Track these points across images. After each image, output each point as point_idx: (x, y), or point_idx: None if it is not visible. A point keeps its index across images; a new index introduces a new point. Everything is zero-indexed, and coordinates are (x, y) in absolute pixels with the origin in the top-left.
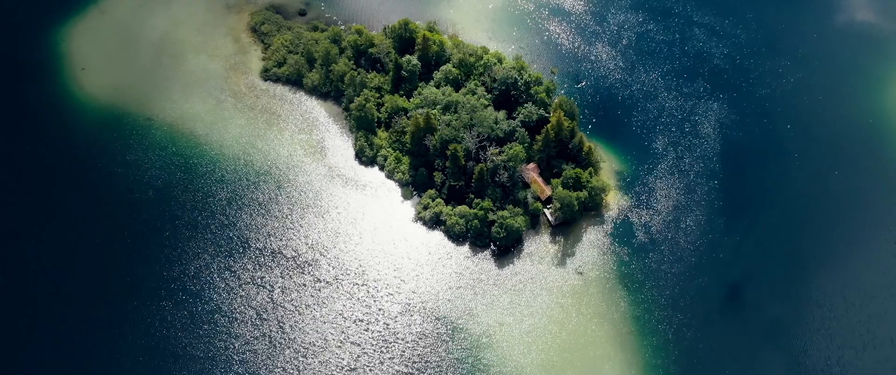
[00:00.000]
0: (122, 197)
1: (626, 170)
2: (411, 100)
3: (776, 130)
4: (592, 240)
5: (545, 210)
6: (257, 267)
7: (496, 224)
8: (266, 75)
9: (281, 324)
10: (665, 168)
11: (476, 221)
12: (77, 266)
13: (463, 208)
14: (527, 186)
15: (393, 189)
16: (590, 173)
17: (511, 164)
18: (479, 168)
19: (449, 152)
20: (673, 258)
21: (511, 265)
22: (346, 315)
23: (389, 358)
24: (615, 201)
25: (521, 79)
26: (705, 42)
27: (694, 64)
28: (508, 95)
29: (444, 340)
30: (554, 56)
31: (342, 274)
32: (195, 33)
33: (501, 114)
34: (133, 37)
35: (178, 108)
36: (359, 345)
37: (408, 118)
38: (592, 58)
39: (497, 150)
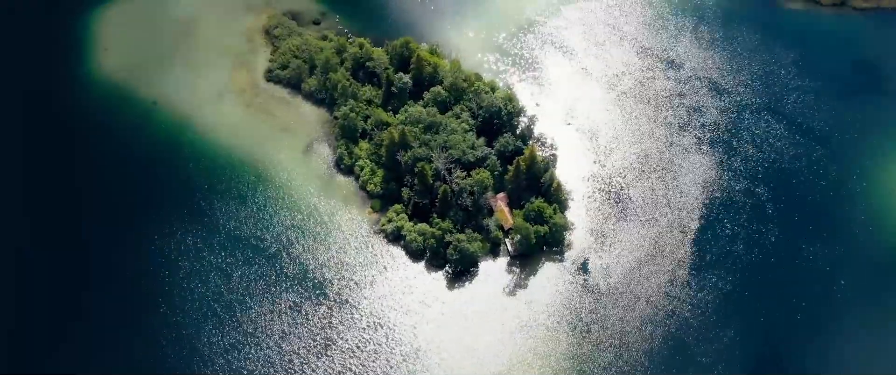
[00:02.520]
0: (113, 169)
1: (596, 212)
2: (397, 116)
3: (759, 194)
4: (548, 275)
5: (506, 240)
6: (222, 251)
7: (451, 246)
8: (269, 76)
9: (231, 307)
10: (637, 215)
11: (433, 240)
12: (49, 229)
13: (423, 226)
14: (492, 213)
15: (363, 199)
16: (554, 210)
17: (475, 188)
18: (443, 189)
19: (416, 170)
20: (626, 306)
21: (461, 288)
22: (294, 311)
23: (328, 357)
24: (579, 241)
25: (505, 109)
26: (704, 97)
27: (689, 116)
28: (491, 123)
29: (381, 346)
30: (548, 93)
31: (300, 271)
32: (212, 28)
33: (481, 140)
34: (155, 24)
35: (183, 95)
36: (299, 339)
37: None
38: (587, 99)
39: (463, 173)
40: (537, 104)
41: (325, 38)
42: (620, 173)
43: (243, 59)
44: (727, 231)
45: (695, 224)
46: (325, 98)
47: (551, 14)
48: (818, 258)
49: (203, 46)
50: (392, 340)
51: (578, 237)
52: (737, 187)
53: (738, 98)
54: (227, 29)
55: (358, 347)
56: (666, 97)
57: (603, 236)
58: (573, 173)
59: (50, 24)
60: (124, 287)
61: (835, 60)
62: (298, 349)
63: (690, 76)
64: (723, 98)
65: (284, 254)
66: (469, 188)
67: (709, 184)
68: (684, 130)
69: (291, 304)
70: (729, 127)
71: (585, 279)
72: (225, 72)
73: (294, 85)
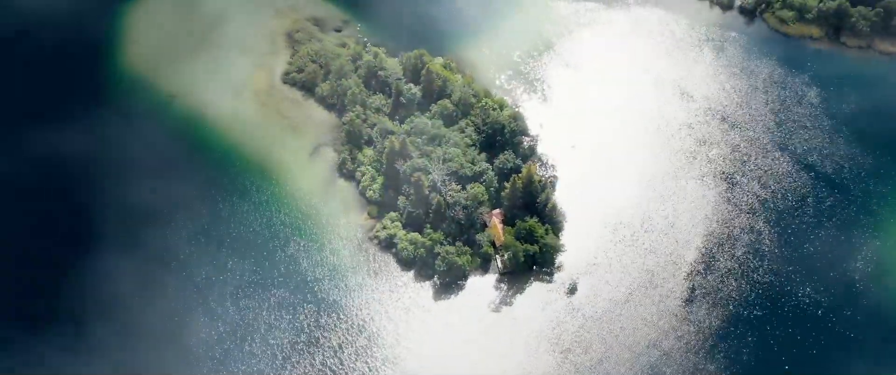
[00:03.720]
0: (124, 156)
1: (591, 236)
2: (402, 125)
3: (759, 231)
4: (535, 295)
5: (497, 256)
6: (220, 242)
7: (440, 257)
8: (285, 78)
9: (222, 297)
10: (632, 244)
11: (422, 250)
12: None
13: (415, 236)
14: (486, 228)
15: (362, 204)
16: (546, 230)
17: (468, 202)
18: (437, 200)
19: (413, 180)
20: (610, 332)
21: (447, 300)
22: (282, 306)
23: (310, 354)
24: (570, 264)
25: (509, 127)
26: (714, 129)
27: (697, 148)
28: (494, 139)
29: (363, 349)
30: (556, 114)
31: (292, 269)
32: (238, 28)
33: (482, 156)
34: (184, 20)
35: (202, 91)
36: (284, 334)
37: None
38: (594, 123)
39: (459, 187)
40: (541, 125)
41: (343, 45)
42: (620, 200)
43: (264, 60)
44: (721, 266)
45: (690, 256)
46: (335, 103)
47: (569, 36)
48: (811, 303)
49: (227, 45)
50: (374, 343)
51: (570, 260)
52: (737, 223)
53: (750, 133)
54: (252, 30)
55: (340, 346)
56: (676, 127)
57: (595, 260)
58: (572, 196)
59: (88, 13)
60: (122, 264)
61: (854, 102)
62: (283, 343)
63: (703, 108)
64: (733, 132)
65: (279, 251)
66: (463, 202)
67: (708, 217)
68: (690, 162)
69: (280, 300)
70: (736, 161)
71: (572, 302)
72: (245, 71)
73: (308, 88)
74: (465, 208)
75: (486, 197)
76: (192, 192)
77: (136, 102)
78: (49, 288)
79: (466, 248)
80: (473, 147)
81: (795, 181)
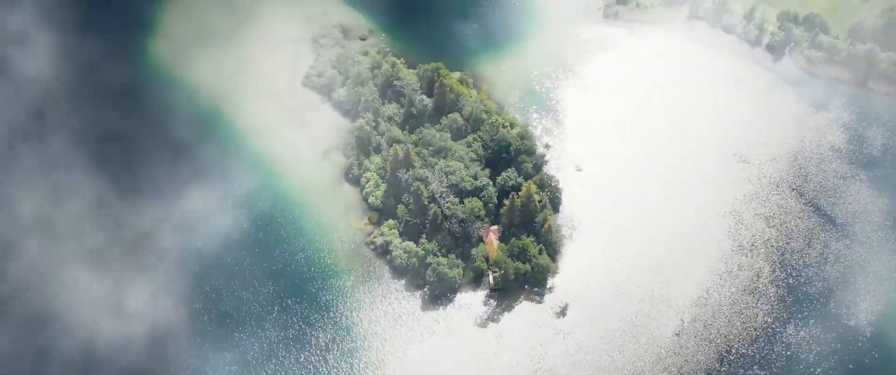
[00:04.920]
0: (142, 143)
1: (587, 261)
2: (411, 135)
3: (759, 269)
4: (524, 313)
5: (489, 271)
6: (221, 235)
7: (431, 268)
8: (306, 81)
9: (217, 288)
10: (629, 276)
11: (415, 259)
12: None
13: (410, 245)
14: (481, 242)
15: (364, 210)
16: (540, 250)
17: (465, 216)
18: (434, 211)
19: (412, 189)
20: (592, 361)
21: (435, 311)
22: (274, 301)
23: (296, 350)
24: (563, 287)
25: (514, 145)
26: (727, 165)
27: (704, 181)
28: (500, 156)
29: (348, 350)
30: (566, 136)
31: (289, 266)
32: (267, 30)
33: (486, 171)
34: (215, 20)
35: (224, 87)
36: (274, 329)
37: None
38: (603, 149)
39: (457, 200)
40: (547, 145)
41: (365, 53)
42: (621, 227)
43: (287, 62)
44: (714, 300)
45: (685, 289)
46: (350, 109)
47: (589, 60)
48: (803, 345)
49: (255, 45)
50: (359, 346)
51: (563, 283)
52: (736, 260)
53: (762, 169)
54: (280, 32)
55: (326, 346)
56: (686, 158)
57: (589, 285)
58: (573, 218)
59: (127, 4)
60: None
61: (876, 147)
62: (272, 337)
63: (717, 141)
64: (745, 167)
65: (278, 249)
66: (460, 215)
67: (708, 253)
68: (697, 195)
69: (273, 294)
70: (744, 197)
71: (560, 325)
72: (268, 71)
73: (326, 93)
74: (461, 221)
75: (483, 212)
76: (198, 182)
77: (159, 93)
78: None
79: (459, 261)
80: (478, 162)
81: (803, 222)
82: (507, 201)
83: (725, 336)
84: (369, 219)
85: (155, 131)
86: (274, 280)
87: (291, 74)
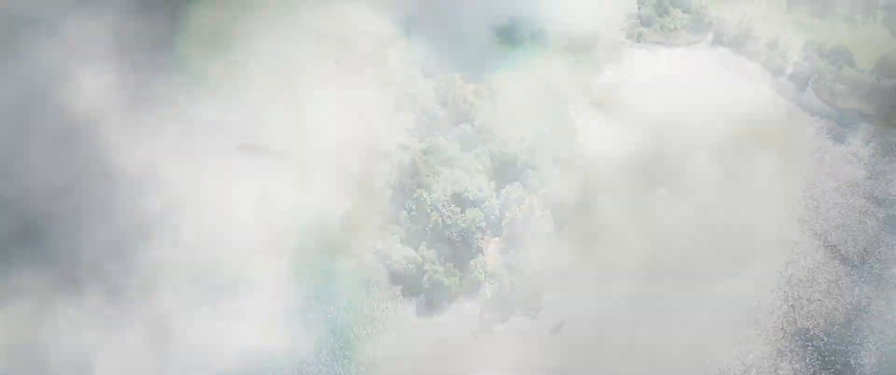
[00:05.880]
0: None
1: (586, 282)
2: (420, 143)
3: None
4: (517, 328)
5: (487, 283)
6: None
7: (427, 276)
8: None
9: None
10: (626, 304)
11: (412, 266)
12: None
13: (409, 251)
14: (480, 253)
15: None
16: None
17: (465, 225)
18: (434, 218)
19: (414, 195)
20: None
21: (428, 319)
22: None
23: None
24: (561, 304)
25: (522, 159)
26: (745, 197)
27: (707, 207)
28: (507, 169)
29: (338, 349)
30: (576, 155)
31: (286, 265)
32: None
33: (492, 184)
34: (235, 18)
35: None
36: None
37: None
38: (614, 174)
39: (459, 209)
40: (556, 161)
41: None
42: (625, 251)
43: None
44: (714, 329)
45: (685, 312)
46: None
47: (608, 80)
48: None
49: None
50: (348, 349)
51: (561, 300)
52: (736, 291)
53: (772, 198)
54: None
55: (316, 346)
56: (698, 184)
57: (587, 305)
58: (577, 240)
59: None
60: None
61: (895, 186)
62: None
63: (726, 172)
64: (754, 196)
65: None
66: (460, 224)
67: (710, 277)
68: (697, 217)
69: (271, 290)
70: (751, 226)
71: (551, 341)
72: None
73: None
74: (461, 231)
75: (484, 224)
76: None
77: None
78: None
79: (457, 270)
80: (484, 174)
81: (809, 257)
82: (509, 214)
83: (719, 368)
84: (372, 222)
85: None
86: (273, 282)
87: None
